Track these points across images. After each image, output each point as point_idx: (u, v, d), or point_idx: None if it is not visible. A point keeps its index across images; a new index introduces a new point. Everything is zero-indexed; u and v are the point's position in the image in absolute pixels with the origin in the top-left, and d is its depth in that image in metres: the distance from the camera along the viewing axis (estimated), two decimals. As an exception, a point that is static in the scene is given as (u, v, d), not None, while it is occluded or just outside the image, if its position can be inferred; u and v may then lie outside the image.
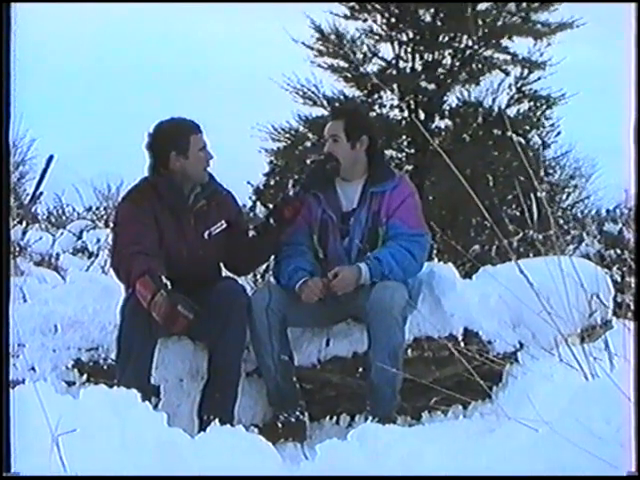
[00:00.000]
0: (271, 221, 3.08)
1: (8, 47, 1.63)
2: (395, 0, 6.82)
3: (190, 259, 3.03)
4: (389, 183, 3.10)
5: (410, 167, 7.11)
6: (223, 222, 3.11)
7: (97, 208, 9.36)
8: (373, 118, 6.67)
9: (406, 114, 7.02)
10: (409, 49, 6.99)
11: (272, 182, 7.54)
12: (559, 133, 7.15)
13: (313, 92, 7.15)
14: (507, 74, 7.07)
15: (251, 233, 3.15)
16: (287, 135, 7.21)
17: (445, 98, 7.12)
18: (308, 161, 6.97)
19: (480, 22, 6.88)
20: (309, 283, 2.99)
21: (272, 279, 3.23)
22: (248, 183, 7.51)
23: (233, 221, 3.14)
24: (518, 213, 6.41)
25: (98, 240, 6.71)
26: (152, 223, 2.98)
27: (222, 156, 3.16)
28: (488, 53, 7.04)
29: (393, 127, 7.04)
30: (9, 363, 1.81)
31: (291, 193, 3.12)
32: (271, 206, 3.29)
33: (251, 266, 3.43)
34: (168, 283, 2.79)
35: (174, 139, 3.00)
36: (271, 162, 7.48)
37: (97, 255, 6.34)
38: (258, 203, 7.22)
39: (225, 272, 3.23)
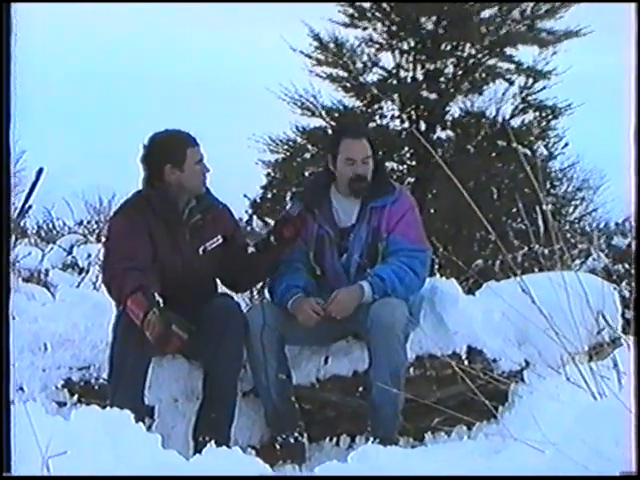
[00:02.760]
0: (271, 239, 3.09)
1: (8, 48, 1.64)
2: (397, 0, 6.86)
3: (185, 275, 3.04)
4: (389, 197, 3.11)
5: (411, 180, 7.13)
6: (219, 237, 3.12)
7: (88, 222, 9.36)
8: (373, 130, 6.70)
9: (407, 125, 7.04)
10: (410, 58, 7.02)
11: (269, 195, 7.55)
12: (566, 144, 7.16)
13: (311, 102, 7.16)
14: (511, 83, 7.10)
15: (250, 250, 3.16)
16: (285, 147, 7.22)
17: (447, 108, 7.14)
18: (307, 173, 6.99)
19: (484, 30, 6.93)
20: (305, 306, 2.99)
21: (268, 296, 3.24)
22: (244, 196, 7.51)
23: (229, 236, 3.15)
24: (523, 227, 6.42)
25: (89, 255, 6.71)
26: (146, 238, 2.99)
27: (218, 168, 3.17)
28: (492, 62, 7.08)
29: (394, 138, 7.06)
30: (9, 364, 1.88)
31: (292, 211, 3.13)
32: (270, 221, 3.30)
33: (249, 283, 3.44)
34: (161, 300, 2.80)
35: (169, 151, 3.02)
36: (268, 174, 7.49)
37: (88, 271, 6.33)
38: (255, 217, 7.23)
39: (221, 288, 3.24)
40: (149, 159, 3.05)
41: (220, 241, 3.12)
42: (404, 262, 3.02)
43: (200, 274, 3.07)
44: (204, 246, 3.09)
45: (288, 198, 7.72)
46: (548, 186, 7.04)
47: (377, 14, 7.11)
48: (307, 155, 7.09)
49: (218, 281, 3.21)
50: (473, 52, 7.04)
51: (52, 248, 7.23)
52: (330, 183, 3.17)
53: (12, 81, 1.66)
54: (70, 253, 7.13)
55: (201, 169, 3.07)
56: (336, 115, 7.11)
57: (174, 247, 3.04)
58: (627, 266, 5.73)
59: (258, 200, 7.50)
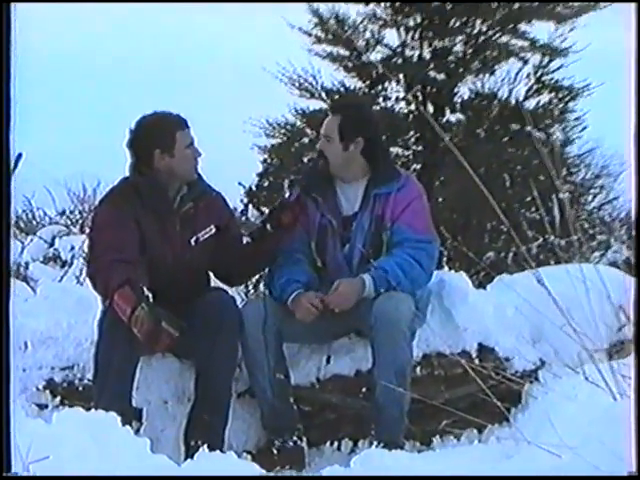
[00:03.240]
0: (267, 227, 3.09)
1: (8, 48, 1.75)
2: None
3: (175, 267, 3.04)
4: (394, 184, 3.11)
5: (418, 166, 7.12)
6: (212, 227, 3.12)
7: (71, 212, 9.35)
8: (376, 113, 6.68)
9: (413, 107, 7.02)
10: (416, 35, 7.00)
11: (266, 183, 7.54)
12: (584, 128, 7.13)
13: (310, 83, 7.15)
14: (525, 62, 7.08)
15: (245, 240, 3.16)
16: (282, 131, 7.21)
17: (456, 89, 7.12)
18: (305, 159, 6.98)
19: (495, 4, 6.90)
20: (302, 300, 2.99)
21: (266, 290, 3.25)
22: (239, 184, 7.50)
23: (223, 226, 3.15)
24: (538, 216, 6.41)
25: (72, 247, 6.71)
26: (133, 228, 2.98)
27: (210, 154, 3.17)
28: (504, 39, 7.05)
29: (399, 122, 7.05)
30: (9, 364, 1.92)
31: (288, 196, 3.13)
32: (266, 210, 3.30)
33: (244, 276, 3.45)
34: (150, 295, 2.79)
35: (158, 135, 3.01)
36: (265, 160, 7.48)
37: (71, 264, 6.34)
38: (250, 206, 7.23)
39: (214, 282, 3.24)
40: (136, 144, 3.04)
41: (213, 231, 3.12)
42: (410, 254, 3.02)
43: (192, 266, 3.07)
44: (196, 236, 3.09)
45: (286, 186, 7.74)
46: (565, 173, 7.03)
47: (381, -12, 7.08)
48: (306, 139, 7.07)
49: (211, 274, 3.21)
50: (484, 29, 7.01)
51: (32, 240, 7.22)
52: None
53: (12, 81, 1.77)
54: (52, 245, 7.13)
55: (192, 153, 3.07)
56: (337, 97, 7.10)
57: (164, 238, 3.04)
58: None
59: (254, 188, 7.50)
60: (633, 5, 1.76)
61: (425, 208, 3.15)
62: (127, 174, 3.09)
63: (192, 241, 3.08)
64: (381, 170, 3.14)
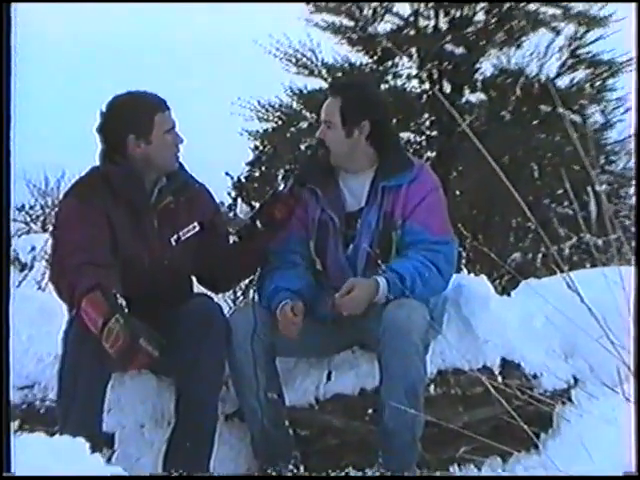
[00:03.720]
0: (258, 224, 3.09)
1: (8, 47, 1.90)
2: None
3: (153, 271, 3.04)
4: (406, 175, 3.11)
5: (432, 154, 7.14)
6: (195, 224, 3.12)
7: (31, 207, 9.36)
8: (384, 93, 6.70)
9: (427, 86, 7.04)
10: (431, 3, 7.02)
11: (257, 173, 7.56)
12: (626, 110, 7.10)
13: (309, 58, 7.17)
14: (558, 33, 7.08)
15: (232, 239, 3.16)
16: (277, 113, 7.23)
17: (477, 65, 7.14)
18: (303, 147, 6.99)
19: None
20: (286, 312, 2.98)
21: (256, 296, 3.25)
22: (227, 174, 7.52)
23: (208, 223, 3.15)
24: (570, 212, 6.43)
25: (33, 248, 6.70)
26: (104, 225, 2.98)
27: (193, 140, 3.17)
28: (533, 6, 7.06)
29: (411, 103, 7.07)
30: (9, 364, 1.99)
31: (282, 188, 3.13)
32: (257, 205, 3.31)
33: (232, 281, 3.45)
34: (124, 304, 2.80)
35: (133, 118, 3.02)
36: (256, 147, 7.50)
37: (32, 267, 6.34)
38: (239, 200, 7.25)
39: (198, 287, 3.24)
40: (107, 128, 3.04)
41: (197, 229, 3.12)
42: (426, 257, 3.03)
43: (172, 269, 3.07)
44: (177, 235, 3.09)
45: (280, 177, 7.74)
46: (603, 161, 7.05)
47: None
48: (304, 124, 7.09)
49: (194, 279, 3.21)
50: (510, -6, 7.02)
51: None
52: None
53: (12, 80, 1.92)
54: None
55: (172, 140, 3.07)
56: (339, 74, 7.10)
57: (139, 236, 3.04)
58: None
59: (243, 179, 7.52)
60: (633, 5, 1.78)
61: (441, 203, 3.16)
62: (97, 163, 3.09)
63: (172, 240, 3.09)
64: (390, 159, 3.14)
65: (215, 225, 3.18)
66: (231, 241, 3.18)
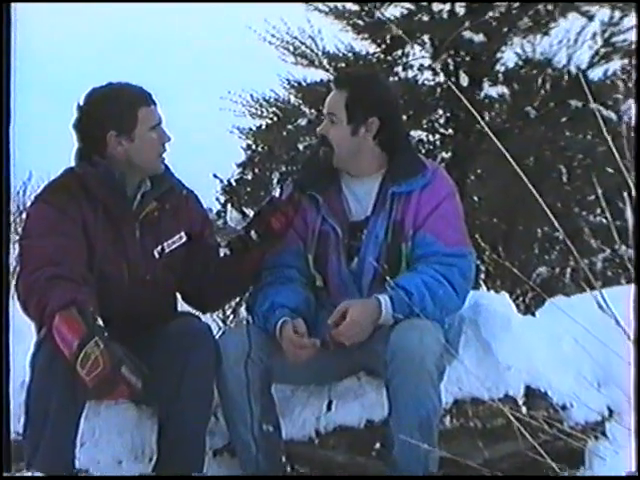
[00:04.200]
0: (252, 235, 3.09)
1: (8, 47, 2.05)
2: None
3: (133, 286, 3.05)
4: (418, 179, 3.12)
5: (447, 155, 7.15)
6: (182, 234, 3.13)
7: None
8: (394, 86, 6.70)
9: (442, 79, 7.05)
10: (447, -15, 7.03)
11: (249, 176, 7.57)
12: (668, 105, 7.13)
13: (309, 47, 7.18)
14: (590, 19, 7.09)
15: (223, 252, 3.16)
16: (272, 109, 7.24)
17: (499, 55, 7.16)
18: (302, 146, 6.99)
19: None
20: (289, 333, 2.98)
21: (249, 316, 3.25)
22: (215, 177, 7.54)
23: (197, 233, 3.16)
24: (603, 221, 6.44)
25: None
26: (78, 234, 2.99)
27: (177, 138, 3.16)
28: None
29: (423, 98, 7.08)
30: (9, 363, 2.01)
31: (280, 194, 3.13)
32: (249, 211, 3.31)
33: (221, 299, 3.44)
34: (101, 323, 2.80)
35: (114, 113, 3.02)
36: (248, 147, 7.52)
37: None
38: (229, 206, 7.26)
39: (183, 306, 3.26)
40: (85, 124, 3.05)
41: (183, 240, 3.13)
42: (438, 271, 3.03)
43: (154, 286, 3.08)
44: (161, 246, 3.09)
45: (275, 180, 7.74)
46: (639, 164, 7.01)
47: None
48: (303, 120, 7.09)
49: (179, 296, 3.22)
50: (535, -25, 7.04)
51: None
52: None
53: (12, 80, 2.07)
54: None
55: (158, 138, 3.07)
56: (343, 65, 7.11)
57: (119, 247, 3.04)
58: None
59: (233, 182, 7.53)
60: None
61: (458, 211, 3.17)
62: (72, 164, 3.10)
63: (156, 252, 3.09)
64: (401, 161, 3.15)
65: (204, 236, 3.19)
66: (221, 254, 3.18)
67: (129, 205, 3.07)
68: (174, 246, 3.12)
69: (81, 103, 3.05)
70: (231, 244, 3.13)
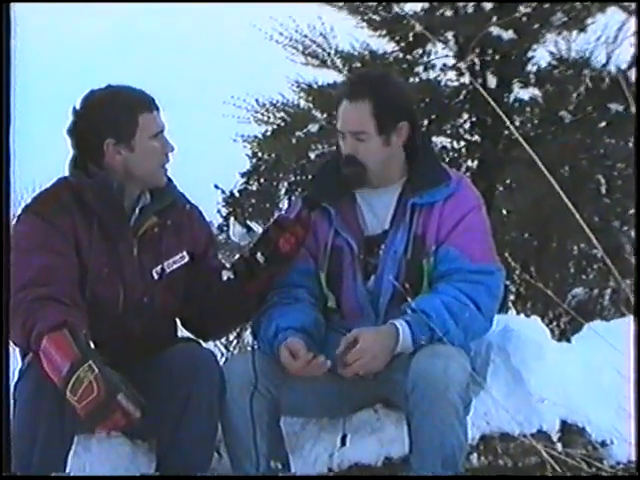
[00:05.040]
0: (258, 257, 3.09)
1: (8, 47, 2.10)
2: None
3: (129, 310, 3.05)
4: (441, 190, 3.13)
5: (473, 163, 7.16)
6: (184, 253, 3.13)
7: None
8: (415, 87, 6.72)
9: (467, 80, 7.06)
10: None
11: (254, 186, 7.59)
12: None
13: (320, 45, 7.20)
14: (630, 14, 7.09)
15: (226, 275, 3.15)
16: (280, 114, 7.24)
17: (530, 54, 7.16)
18: (313, 155, 7.00)
19: None
20: (284, 356, 2.97)
21: (252, 341, 3.26)
22: (216, 187, 7.55)
23: (200, 253, 3.16)
24: (647, 237, 6.41)
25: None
26: (69, 251, 2.99)
27: (176, 146, 3.17)
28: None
29: (447, 100, 7.08)
30: (9, 363, 2.15)
31: (288, 209, 3.13)
32: (254, 225, 3.31)
33: (224, 327, 3.41)
34: (92, 345, 2.81)
35: (112, 119, 3.02)
36: (253, 155, 7.53)
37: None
38: (232, 219, 7.27)
39: (182, 331, 3.26)
40: (81, 130, 3.05)
41: (185, 260, 3.13)
42: (462, 290, 3.03)
43: (152, 309, 3.08)
44: (161, 266, 3.09)
45: (283, 192, 7.75)
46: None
47: None
48: (313, 126, 7.10)
49: (178, 321, 3.23)
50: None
51: None
52: None
53: (12, 81, 2.12)
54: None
55: (160, 147, 3.08)
56: (358, 65, 7.13)
57: (114, 266, 3.04)
58: None
59: (236, 194, 7.54)
60: (633, 5, 1.84)
61: (484, 224, 3.17)
62: (66, 173, 3.10)
63: (155, 272, 3.09)
64: (422, 170, 3.16)
65: (207, 256, 3.19)
66: (225, 277, 3.15)
67: (126, 220, 3.07)
68: (175, 266, 3.12)
69: (77, 107, 3.06)
70: (235, 267, 3.13)
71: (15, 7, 2.16)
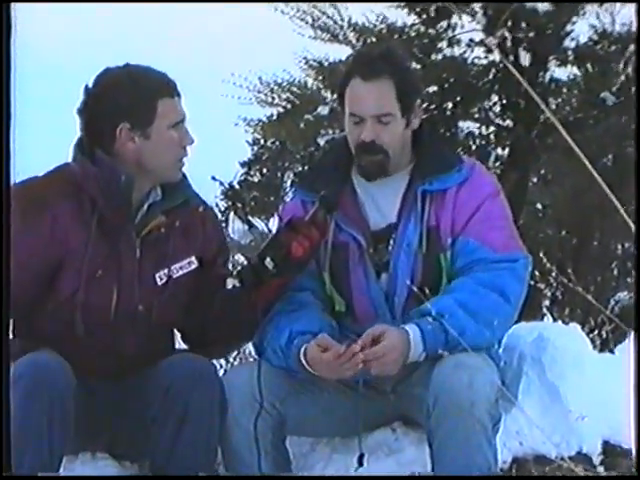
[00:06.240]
0: (267, 263, 3.07)
1: (8, 47, 2.19)
2: None
3: (121, 318, 3.05)
4: (453, 175, 3.14)
5: (503, 152, 7.15)
6: (193, 259, 3.12)
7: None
8: (438, 65, 6.71)
9: (497, 57, 7.05)
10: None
11: (256, 177, 7.60)
12: None
13: (331, 17, 7.20)
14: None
15: (231, 283, 3.13)
16: (285, 94, 7.24)
17: (568, 28, 7.16)
18: (322, 141, 7.00)
19: None
20: (314, 353, 2.96)
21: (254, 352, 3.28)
22: (214, 179, 7.55)
23: (209, 260, 3.15)
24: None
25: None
26: (55, 242, 2.98)
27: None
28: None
29: (474, 81, 7.08)
30: (9, 362, 2.24)
31: (298, 211, 3.13)
32: (258, 222, 3.31)
33: (228, 343, 3.34)
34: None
35: (130, 101, 3.01)
36: (256, 142, 7.53)
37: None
38: (232, 215, 7.28)
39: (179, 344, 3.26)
40: (93, 111, 3.04)
41: (193, 266, 3.12)
42: (482, 281, 3.03)
43: (148, 321, 3.07)
44: (166, 270, 3.08)
45: (289, 183, 7.73)
46: None
47: None
48: (323, 109, 7.10)
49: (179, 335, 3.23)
50: None
51: None
52: (352, 156, 3.20)
53: (12, 82, 2.19)
54: None
55: (179, 138, 3.05)
56: (373, 39, 7.12)
57: (110, 268, 3.03)
58: None
59: (237, 186, 7.54)
60: (633, 5, 1.86)
61: (505, 211, 3.16)
62: (70, 158, 3.07)
63: (158, 277, 3.08)
64: (430, 154, 3.17)
65: (216, 265, 3.17)
66: (229, 285, 3.13)
67: (131, 217, 3.05)
68: (181, 272, 3.10)
69: (90, 85, 3.04)
70: (241, 274, 3.10)
71: (15, 7, 2.25)
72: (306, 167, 7.24)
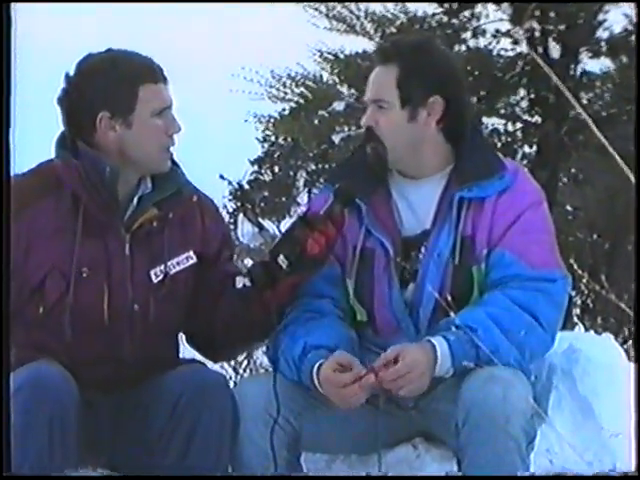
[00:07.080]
0: (281, 261, 3.07)
1: (8, 47, 2.27)
2: None
3: (116, 320, 3.05)
4: (493, 183, 3.13)
5: (531, 150, 7.15)
6: (191, 253, 3.13)
7: None
8: (457, 58, 6.71)
9: (525, 49, 7.05)
10: None
11: (267, 176, 7.61)
12: None
13: (347, 7, 7.20)
14: None
15: (241, 281, 3.14)
16: (299, 89, 7.24)
17: (600, 17, 7.15)
18: (337, 138, 7.00)
19: None
20: (327, 374, 2.97)
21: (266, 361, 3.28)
22: (222, 178, 7.57)
23: (211, 254, 3.16)
24: None
25: None
26: (44, 245, 3.00)
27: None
28: None
29: (500, 74, 7.08)
30: (9, 362, 2.33)
31: (310, 202, 3.14)
32: (268, 223, 3.32)
33: (237, 346, 3.36)
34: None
35: (109, 88, 3.03)
36: (266, 139, 7.54)
37: None
38: (241, 215, 7.30)
39: (185, 350, 3.26)
40: (72, 100, 3.05)
41: (192, 261, 3.13)
42: (516, 299, 3.03)
43: (146, 321, 3.08)
44: (162, 267, 3.09)
45: (302, 182, 7.73)
46: None
47: None
48: (339, 105, 7.10)
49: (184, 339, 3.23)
50: None
51: None
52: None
53: (12, 82, 2.27)
54: None
55: (164, 126, 3.07)
56: (392, 30, 7.12)
57: (98, 267, 3.04)
58: None
59: (246, 185, 7.56)
60: (633, 5, 1.87)
61: (546, 224, 3.17)
62: (52, 153, 3.09)
63: (153, 275, 3.09)
64: (471, 158, 3.16)
65: (220, 260, 3.18)
66: (239, 284, 3.14)
67: (119, 211, 3.05)
68: (178, 268, 3.11)
69: (71, 73, 3.06)
70: (252, 272, 3.10)
71: (15, 7, 2.31)
72: (320, 165, 7.23)
